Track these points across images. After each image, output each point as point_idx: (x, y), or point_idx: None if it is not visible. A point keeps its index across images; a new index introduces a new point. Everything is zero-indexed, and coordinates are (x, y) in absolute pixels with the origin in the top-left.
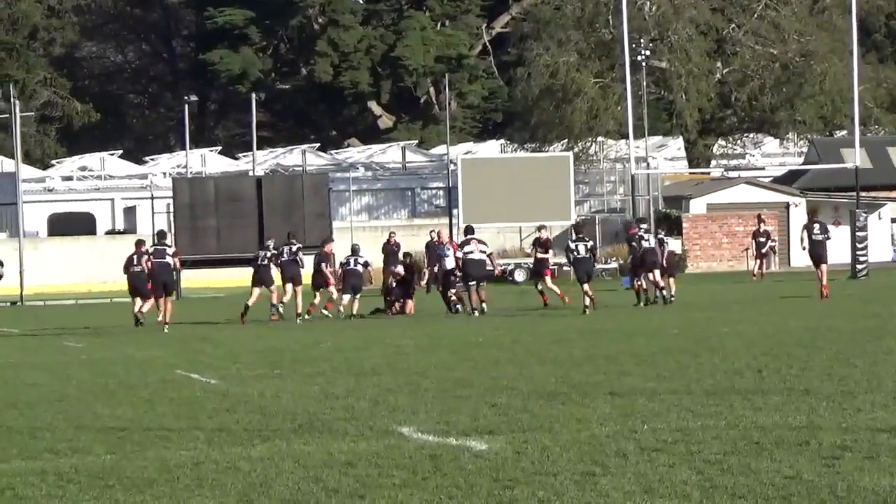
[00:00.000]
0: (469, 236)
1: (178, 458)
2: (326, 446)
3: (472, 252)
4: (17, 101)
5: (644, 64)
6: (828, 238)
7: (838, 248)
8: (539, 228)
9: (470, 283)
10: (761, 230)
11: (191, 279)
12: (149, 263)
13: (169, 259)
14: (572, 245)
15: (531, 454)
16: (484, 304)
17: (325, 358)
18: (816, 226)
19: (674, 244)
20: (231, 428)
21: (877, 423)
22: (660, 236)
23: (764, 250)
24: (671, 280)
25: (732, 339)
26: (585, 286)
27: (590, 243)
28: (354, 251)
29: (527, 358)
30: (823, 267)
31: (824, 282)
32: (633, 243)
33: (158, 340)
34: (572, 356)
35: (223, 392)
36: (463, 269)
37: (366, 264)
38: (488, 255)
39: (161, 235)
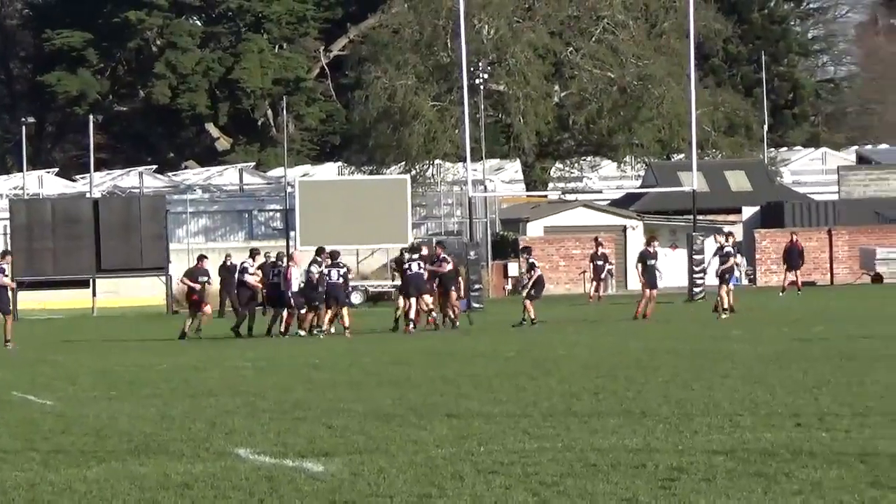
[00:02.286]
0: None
1: (13, 480)
2: (163, 468)
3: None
4: None
5: (482, 87)
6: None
7: (675, 272)
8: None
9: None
10: (599, 253)
11: (28, 301)
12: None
13: (5, 280)
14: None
15: (367, 476)
16: (321, 326)
17: (163, 379)
18: (651, 252)
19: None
20: (67, 449)
21: (713, 445)
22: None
23: (603, 274)
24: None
25: (569, 361)
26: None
27: (343, 269)
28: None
29: (364, 379)
30: (654, 292)
31: (650, 307)
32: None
33: None
34: (410, 378)
35: (59, 413)
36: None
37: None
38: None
39: (1, 256)
